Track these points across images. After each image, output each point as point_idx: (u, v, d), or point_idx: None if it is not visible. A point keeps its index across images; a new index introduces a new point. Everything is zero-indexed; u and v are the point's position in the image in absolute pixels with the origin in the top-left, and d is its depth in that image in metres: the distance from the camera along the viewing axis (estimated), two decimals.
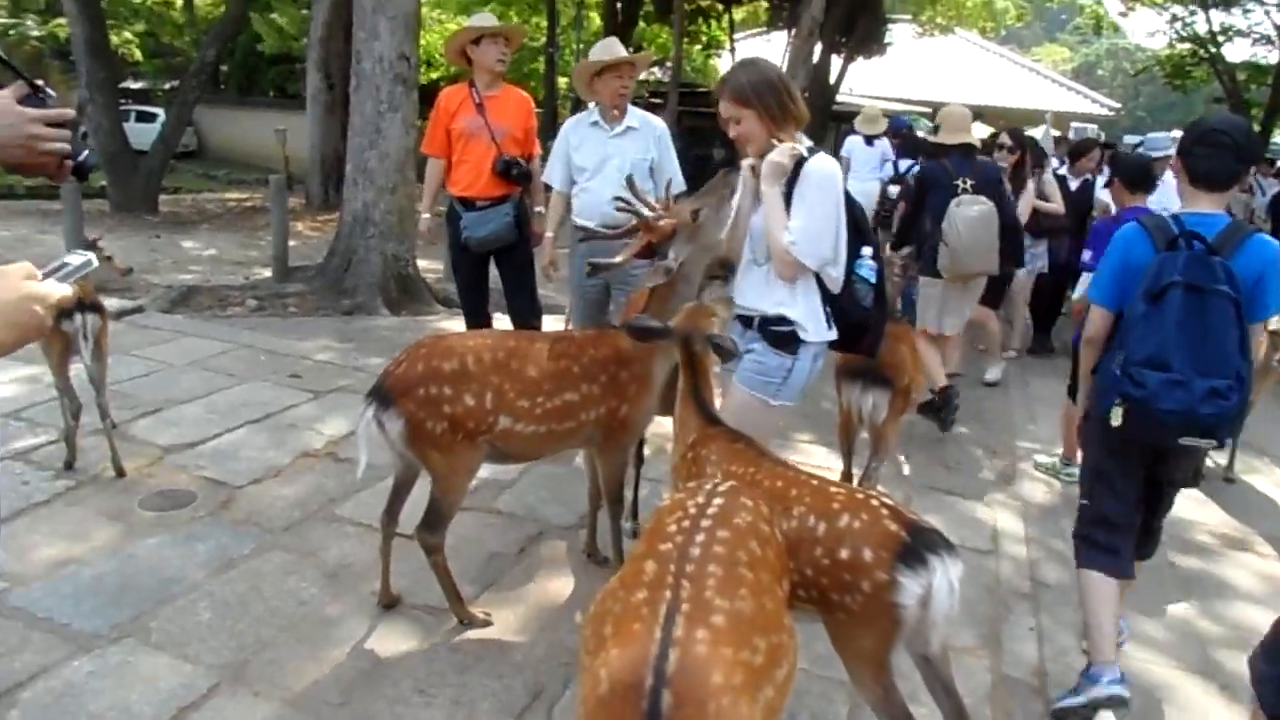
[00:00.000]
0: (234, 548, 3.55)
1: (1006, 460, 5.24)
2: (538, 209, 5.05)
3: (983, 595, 3.66)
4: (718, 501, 1.84)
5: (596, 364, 3.11)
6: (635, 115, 4.58)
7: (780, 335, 2.97)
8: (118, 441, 4.14)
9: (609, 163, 4.49)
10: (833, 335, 3.04)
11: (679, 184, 4.46)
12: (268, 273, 9.08)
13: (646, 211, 3.23)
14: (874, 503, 2.21)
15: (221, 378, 5.42)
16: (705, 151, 23.70)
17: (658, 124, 4.61)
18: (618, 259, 3.33)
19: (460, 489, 3.08)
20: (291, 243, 9.54)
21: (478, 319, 5.26)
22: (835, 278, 2.98)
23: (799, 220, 2.86)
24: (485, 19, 5.08)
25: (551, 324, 7.56)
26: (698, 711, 1.43)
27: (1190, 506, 4.85)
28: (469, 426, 2.91)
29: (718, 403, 2.97)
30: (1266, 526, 4.66)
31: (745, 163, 3.03)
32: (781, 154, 2.87)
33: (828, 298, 3.01)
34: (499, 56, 4.86)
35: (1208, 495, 5.01)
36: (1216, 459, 5.36)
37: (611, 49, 4.69)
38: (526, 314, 5.17)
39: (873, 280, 3.14)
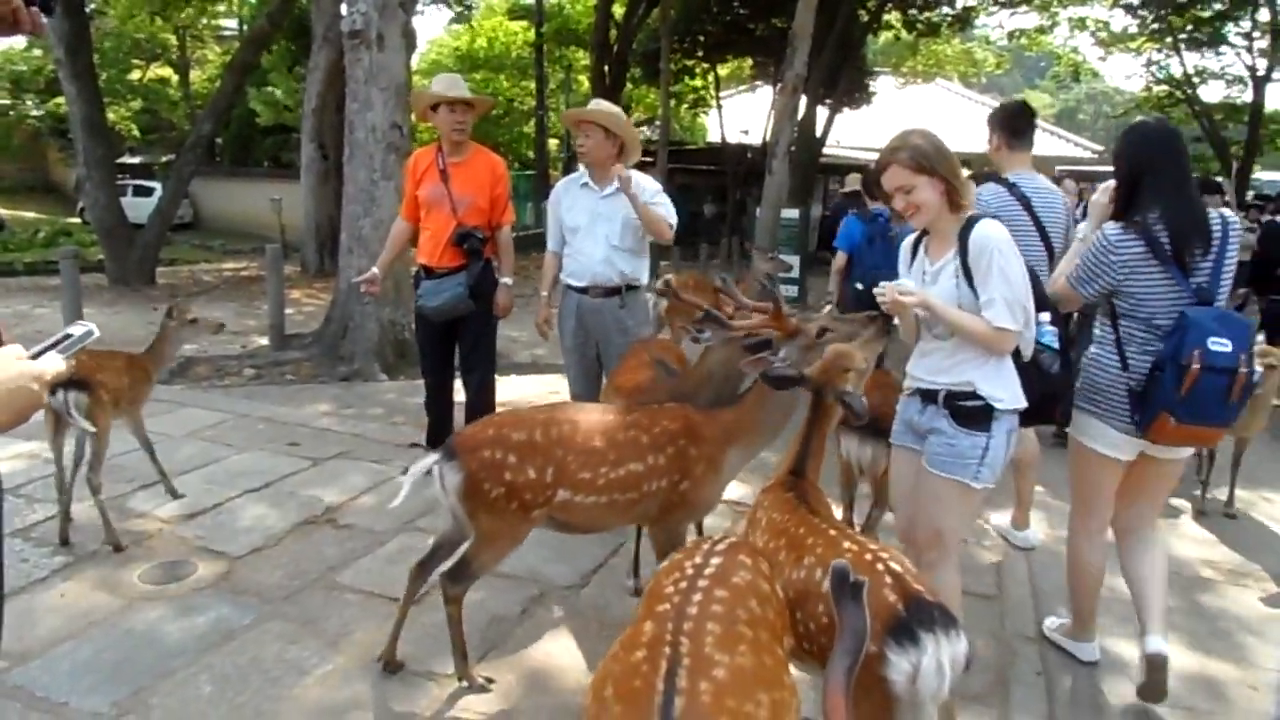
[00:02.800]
0: (234, 619, 3.53)
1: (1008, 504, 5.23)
2: (503, 279, 4.95)
3: (989, 641, 3.63)
4: (715, 560, 1.85)
5: (667, 436, 3.03)
6: (626, 173, 4.56)
7: (970, 411, 2.83)
8: (116, 515, 4.14)
9: (598, 223, 4.54)
10: (1025, 404, 2.89)
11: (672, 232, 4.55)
12: (265, 341, 9.14)
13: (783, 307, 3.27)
14: (879, 566, 2.13)
15: (219, 447, 5.44)
16: (696, 208, 24.01)
17: (649, 184, 4.56)
18: (736, 326, 3.34)
19: (499, 555, 3.06)
20: (288, 311, 9.61)
21: (437, 382, 5.23)
22: (1030, 340, 2.88)
23: (996, 293, 2.73)
24: (446, 83, 4.91)
25: (552, 383, 7.62)
26: None
27: (1192, 542, 4.85)
28: (525, 498, 2.89)
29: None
30: (1268, 561, 4.64)
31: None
32: (912, 298, 2.78)
33: (1018, 367, 2.90)
34: (455, 125, 4.79)
35: (1209, 530, 5.00)
36: (1217, 494, 5.36)
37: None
38: (477, 378, 5.09)
39: (1056, 346, 3.05)
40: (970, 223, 2.83)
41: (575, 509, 2.97)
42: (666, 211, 4.52)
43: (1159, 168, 3.08)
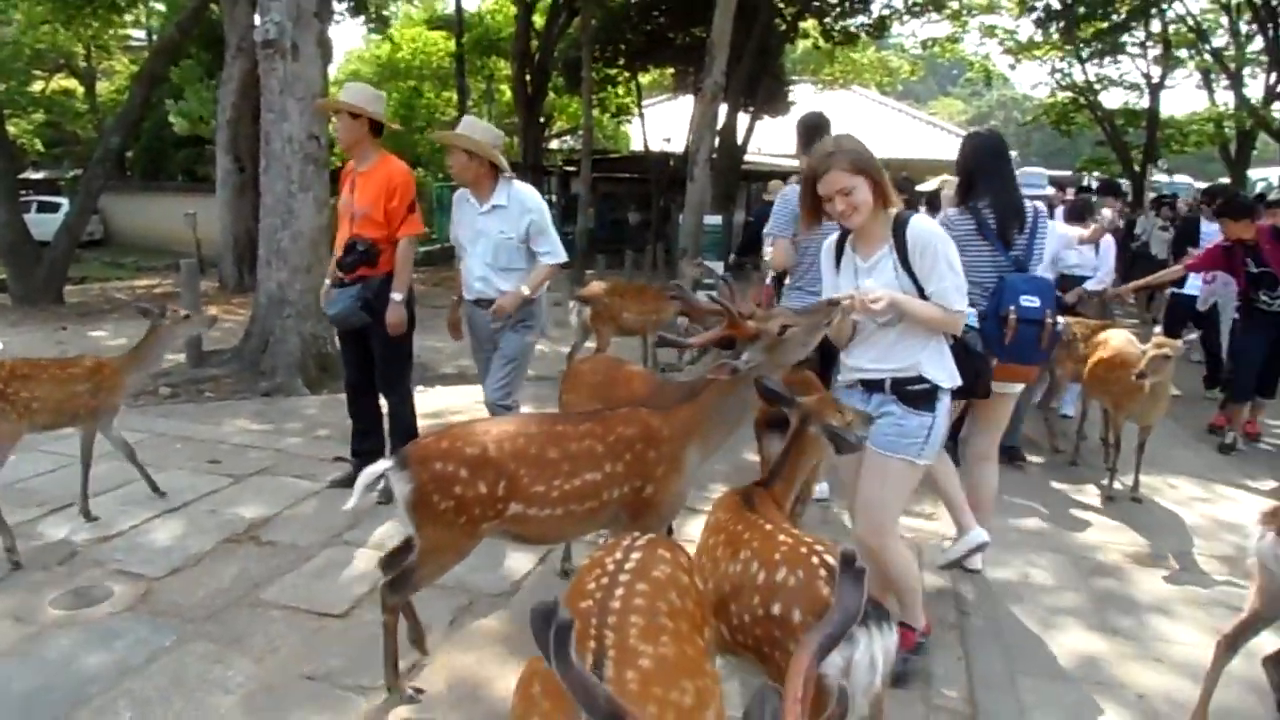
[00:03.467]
0: (154, 641, 3.45)
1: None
2: (394, 295, 4.70)
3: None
4: (635, 556, 1.89)
5: (623, 442, 2.99)
6: (505, 192, 4.54)
7: (917, 393, 3.04)
8: (26, 540, 4.00)
9: (478, 241, 4.59)
10: (960, 381, 3.16)
11: (557, 257, 4.58)
12: (181, 359, 8.89)
13: (741, 308, 3.20)
14: (814, 560, 2.16)
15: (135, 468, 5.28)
16: (621, 215, 24.10)
17: (531, 201, 4.55)
18: (692, 341, 3.43)
19: (442, 567, 3.02)
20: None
21: (354, 393, 5.16)
22: (965, 320, 3.15)
23: (946, 280, 2.98)
24: (350, 92, 4.86)
25: (478, 394, 7.57)
26: None
27: (1100, 529, 5.06)
28: (474, 512, 2.85)
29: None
30: (1172, 543, 4.87)
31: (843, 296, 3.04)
32: (880, 301, 2.90)
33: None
34: (344, 134, 4.75)
35: (1116, 516, 5.23)
36: (1124, 480, 5.61)
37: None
38: (394, 397, 5.03)
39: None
40: (902, 218, 3.03)
41: (530, 522, 2.94)
42: (550, 248, 4.56)
43: (987, 168, 3.99)
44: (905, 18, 21.12)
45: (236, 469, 5.36)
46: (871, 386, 3.16)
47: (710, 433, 3.15)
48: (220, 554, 4.24)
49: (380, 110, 4.78)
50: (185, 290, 8.90)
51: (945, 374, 3.10)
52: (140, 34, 27.20)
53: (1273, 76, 18.36)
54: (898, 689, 3.18)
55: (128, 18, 23.60)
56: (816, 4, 20.09)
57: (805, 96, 24.62)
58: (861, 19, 20.90)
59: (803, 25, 20.96)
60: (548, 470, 2.91)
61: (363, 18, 22.78)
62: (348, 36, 68.00)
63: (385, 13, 24.55)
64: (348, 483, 5.07)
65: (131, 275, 20.18)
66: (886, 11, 20.72)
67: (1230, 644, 3.05)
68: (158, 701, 3.07)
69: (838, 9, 20.59)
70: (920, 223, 3.04)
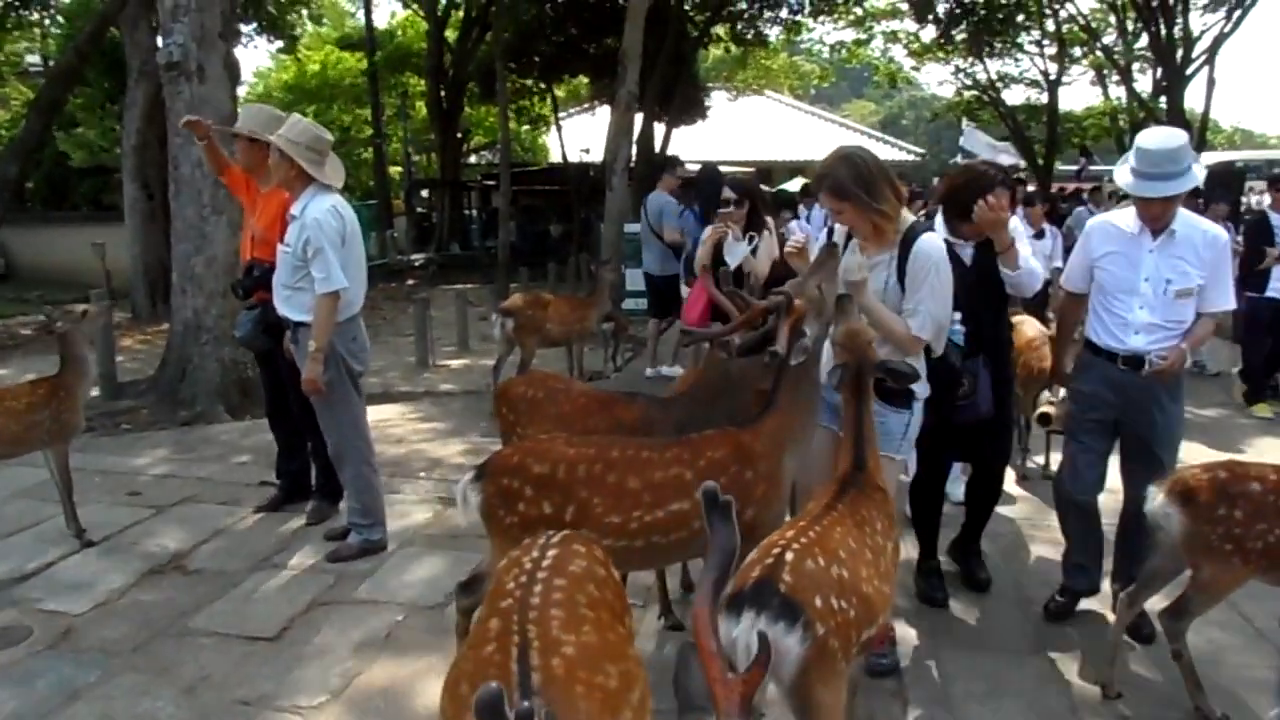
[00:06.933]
0: (78, 678, 3.36)
1: None
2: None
3: None
4: (551, 553, 1.94)
5: (715, 466, 2.82)
6: (304, 202, 4.23)
7: (897, 391, 2.99)
8: None
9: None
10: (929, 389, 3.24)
11: (327, 285, 4.12)
12: (95, 392, 8.63)
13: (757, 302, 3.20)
14: (776, 548, 2.21)
15: (50, 505, 5.08)
16: (542, 227, 24.12)
17: (315, 215, 4.16)
18: (718, 330, 3.40)
19: None
20: (119, 358, 9.12)
21: (273, 414, 5.10)
22: (943, 343, 3.22)
23: (923, 305, 3.03)
24: (246, 114, 4.80)
25: (402, 411, 7.54)
26: (570, 713, 1.52)
27: (1015, 505, 5.26)
28: (538, 533, 2.78)
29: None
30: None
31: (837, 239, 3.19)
32: (859, 271, 2.98)
33: (932, 362, 3.26)
34: (245, 158, 4.69)
35: (1031, 492, 5.45)
36: (1036, 459, 5.86)
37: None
38: (300, 413, 4.66)
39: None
40: (915, 230, 3.11)
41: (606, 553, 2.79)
42: (323, 273, 4.13)
43: None
44: (812, 24, 21.65)
45: (158, 499, 5.24)
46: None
47: (801, 435, 3.03)
48: (144, 586, 4.16)
49: (285, 132, 4.52)
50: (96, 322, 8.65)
51: (920, 383, 3.09)
52: (36, 59, 26.29)
53: (1159, 71, 19.28)
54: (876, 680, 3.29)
55: (22, 45, 22.82)
56: (727, 10, 20.45)
57: (721, 103, 25.01)
58: (770, 19, 21.35)
59: (714, 29, 21.29)
60: (626, 500, 2.79)
61: (270, 37, 22.39)
62: (255, 57, 66.45)
63: (294, 33, 24.14)
64: (274, 506, 5.03)
65: (38, 310, 19.43)
66: (793, 15, 21.20)
67: (1131, 601, 3.26)
68: None
69: (746, 14, 20.98)
70: (929, 241, 3.09)
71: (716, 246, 4.71)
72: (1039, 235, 7.54)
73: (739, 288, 3.58)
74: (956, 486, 4.73)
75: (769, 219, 5.29)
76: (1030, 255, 3.76)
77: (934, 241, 3.11)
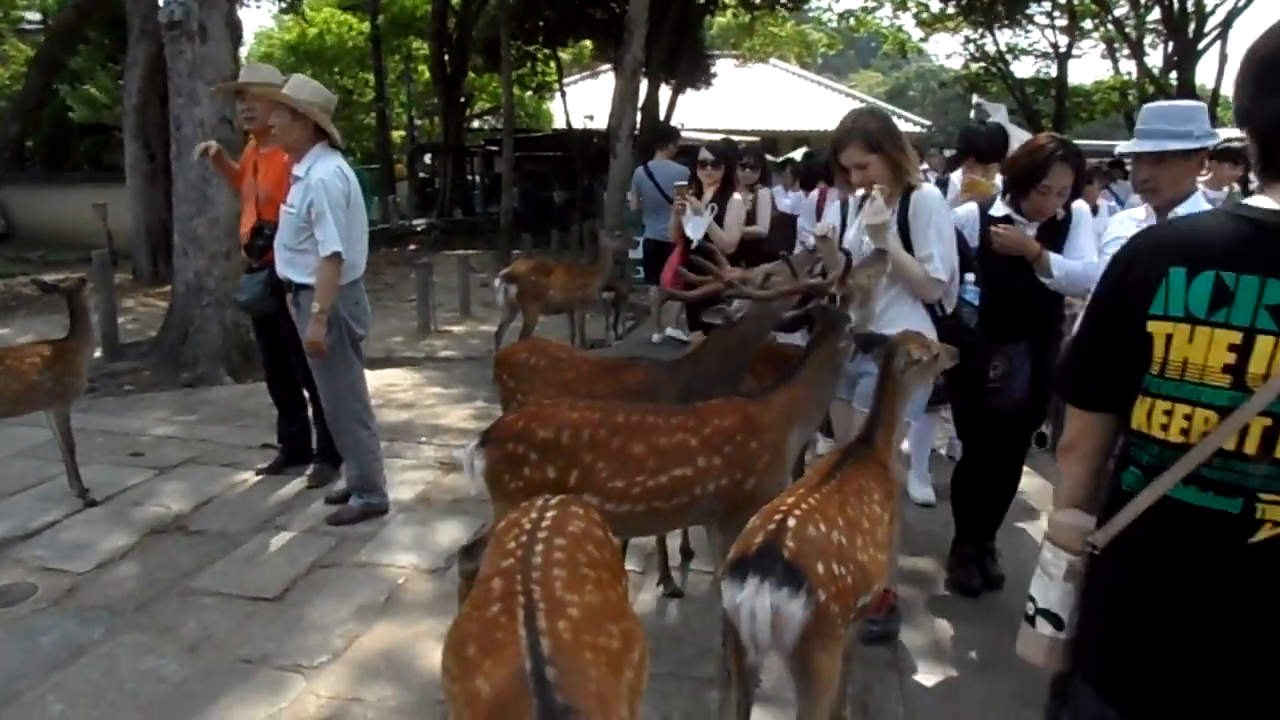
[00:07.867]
0: (82, 635, 3.40)
1: None
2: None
3: None
4: (550, 514, 1.95)
5: (720, 434, 2.86)
6: (309, 164, 4.18)
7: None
8: None
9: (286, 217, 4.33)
10: None
11: (326, 247, 4.08)
12: (98, 353, 8.64)
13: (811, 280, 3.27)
14: (779, 513, 2.23)
15: (53, 465, 5.12)
16: (545, 194, 23.99)
17: (319, 176, 4.10)
18: (764, 293, 3.34)
19: None
20: (121, 320, 9.12)
21: (272, 378, 5.09)
22: (953, 295, 3.25)
23: (934, 248, 3.11)
24: (247, 72, 4.76)
25: (407, 376, 7.55)
26: (580, 680, 1.53)
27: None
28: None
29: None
30: None
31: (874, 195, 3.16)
32: (877, 214, 3.05)
33: (942, 319, 3.26)
34: (244, 114, 4.65)
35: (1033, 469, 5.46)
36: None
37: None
38: (303, 377, 4.72)
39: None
40: (912, 187, 3.20)
41: (607, 517, 2.71)
42: (323, 235, 4.09)
43: None
44: None
45: (160, 460, 5.27)
46: (865, 347, 3.10)
47: (812, 413, 3.08)
48: (147, 546, 4.18)
49: (296, 92, 4.57)
50: (98, 283, 8.65)
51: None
52: (35, 16, 26.02)
53: (1171, 45, 19.10)
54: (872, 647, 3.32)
55: (21, 0, 22.60)
56: None
57: (727, 70, 24.79)
58: None
59: None
60: (630, 465, 2.81)
61: None
62: (257, 16, 65.82)
63: None
64: (276, 469, 5.06)
65: (38, 270, 19.38)
66: None
67: None
68: (89, 694, 3.04)
69: None
70: (926, 191, 3.20)
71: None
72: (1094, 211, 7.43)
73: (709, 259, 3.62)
74: (925, 490, 4.81)
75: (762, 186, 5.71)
76: (1093, 252, 3.46)
77: (931, 190, 3.23)
